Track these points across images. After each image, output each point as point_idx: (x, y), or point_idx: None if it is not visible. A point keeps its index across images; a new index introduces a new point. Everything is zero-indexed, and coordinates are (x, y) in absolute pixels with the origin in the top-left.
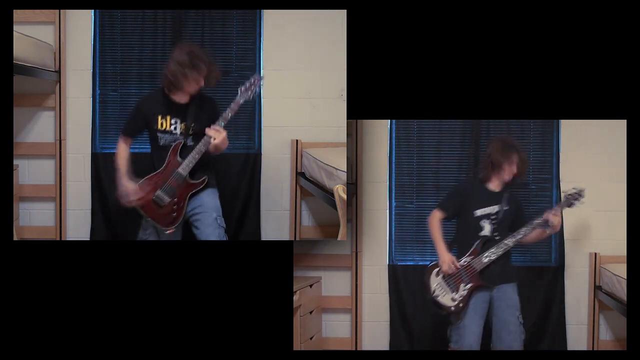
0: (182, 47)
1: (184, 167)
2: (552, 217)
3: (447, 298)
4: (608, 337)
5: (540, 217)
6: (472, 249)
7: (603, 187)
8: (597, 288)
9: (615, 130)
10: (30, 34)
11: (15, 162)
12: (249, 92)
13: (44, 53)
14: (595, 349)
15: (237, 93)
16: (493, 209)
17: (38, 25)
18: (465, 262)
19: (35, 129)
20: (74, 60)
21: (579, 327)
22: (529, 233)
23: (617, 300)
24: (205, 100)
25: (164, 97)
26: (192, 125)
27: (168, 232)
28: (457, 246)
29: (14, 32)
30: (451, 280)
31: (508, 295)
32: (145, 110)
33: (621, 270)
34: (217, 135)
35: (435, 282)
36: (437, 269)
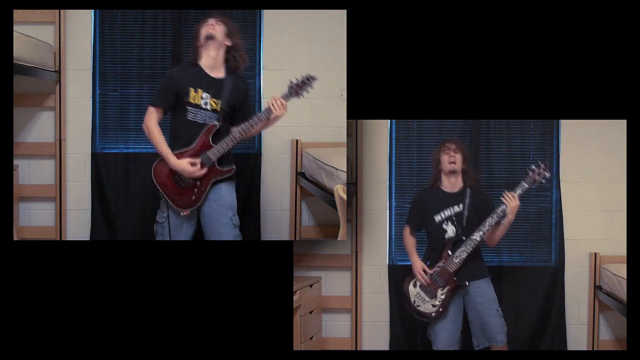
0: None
1: (215, 151)
2: (507, 199)
3: (427, 306)
4: (608, 337)
5: (503, 204)
6: (442, 254)
7: (603, 187)
8: (597, 288)
9: (615, 130)
10: (30, 34)
11: (15, 162)
12: (299, 93)
13: (44, 53)
14: (595, 349)
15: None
16: (452, 210)
17: (38, 25)
18: (438, 267)
19: (35, 129)
20: (74, 60)
21: (579, 327)
22: (494, 224)
23: (617, 300)
24: (240, 80)
25: (197, 68)
26: (225, 106)
27: (183, 214)
28: (430, 254)
29: (14, 32)
30: (428, 288)
31: (483, 290)
32: (178, 79)
33: (621, 270)
34: (279, 108)
35: (414, 293)
36: (414, 280)
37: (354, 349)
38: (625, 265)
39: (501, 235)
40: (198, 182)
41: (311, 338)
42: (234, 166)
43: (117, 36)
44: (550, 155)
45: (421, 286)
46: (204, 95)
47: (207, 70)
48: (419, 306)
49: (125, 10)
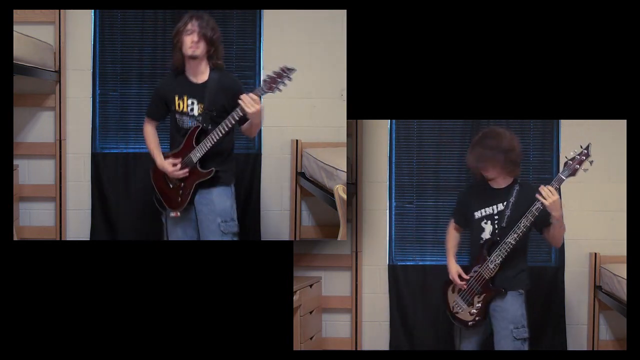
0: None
1: (196, 152)
2: (545, 191)
3: (465, 313)
4: (608, 337)
5: (538, 202)
6: (478, 256)
7: (603, 187)
8: (597, 288)
9: (615, 130)
10: (30, 34)
11: (15, 162)
12: (274, 87)
13: (44, 53)
14: (595, 349)
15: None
16: (494, 208)
17: (38, 25)
18: (474, 272)
19: (35, 129)
20: (74, 60)
21: (579, 327)
22: (529, 224)
23: (617, 300)
24: (224, 78)
25: (180, 76)
26: (213, 108)
27: (173, 214)
28: (470, 256)
29: (14, 32)
30: (466, 294)
31: (505, 306)
32: (163, 91)
33: (621, 270)
34: (250, 105)
35: (453, 299)
36: (452, 284)
37: (354, 349)
38: (625, 265)
39: (560, 234)
40: (182, 184)
41: (311, 338)
42: (213, 169)
43: (117, 36)
44: (550, 155)
45: (459, 292)
46: (190, 101)
47: (190, 77)
48: (457, 313)
49: (125, 10)
